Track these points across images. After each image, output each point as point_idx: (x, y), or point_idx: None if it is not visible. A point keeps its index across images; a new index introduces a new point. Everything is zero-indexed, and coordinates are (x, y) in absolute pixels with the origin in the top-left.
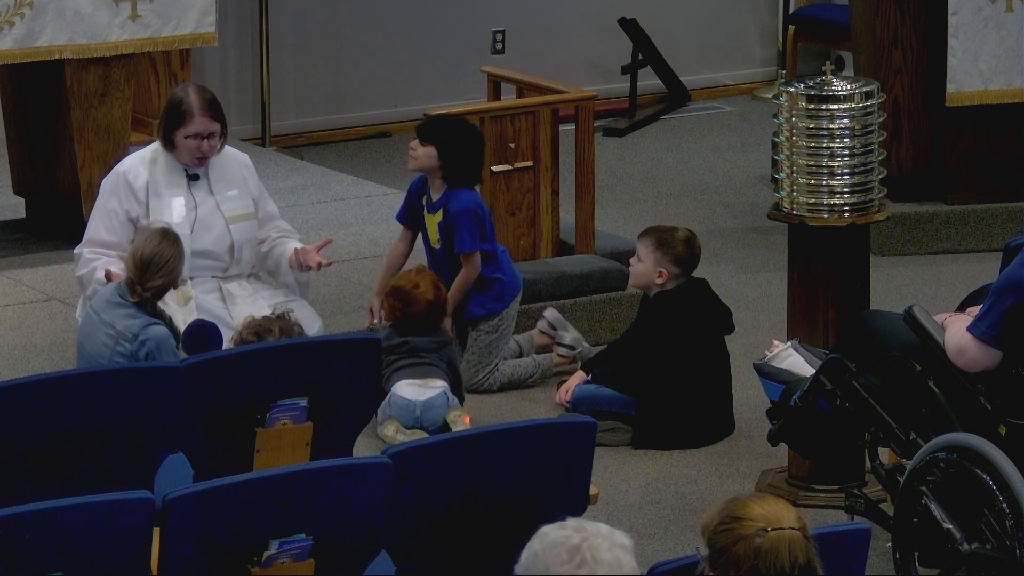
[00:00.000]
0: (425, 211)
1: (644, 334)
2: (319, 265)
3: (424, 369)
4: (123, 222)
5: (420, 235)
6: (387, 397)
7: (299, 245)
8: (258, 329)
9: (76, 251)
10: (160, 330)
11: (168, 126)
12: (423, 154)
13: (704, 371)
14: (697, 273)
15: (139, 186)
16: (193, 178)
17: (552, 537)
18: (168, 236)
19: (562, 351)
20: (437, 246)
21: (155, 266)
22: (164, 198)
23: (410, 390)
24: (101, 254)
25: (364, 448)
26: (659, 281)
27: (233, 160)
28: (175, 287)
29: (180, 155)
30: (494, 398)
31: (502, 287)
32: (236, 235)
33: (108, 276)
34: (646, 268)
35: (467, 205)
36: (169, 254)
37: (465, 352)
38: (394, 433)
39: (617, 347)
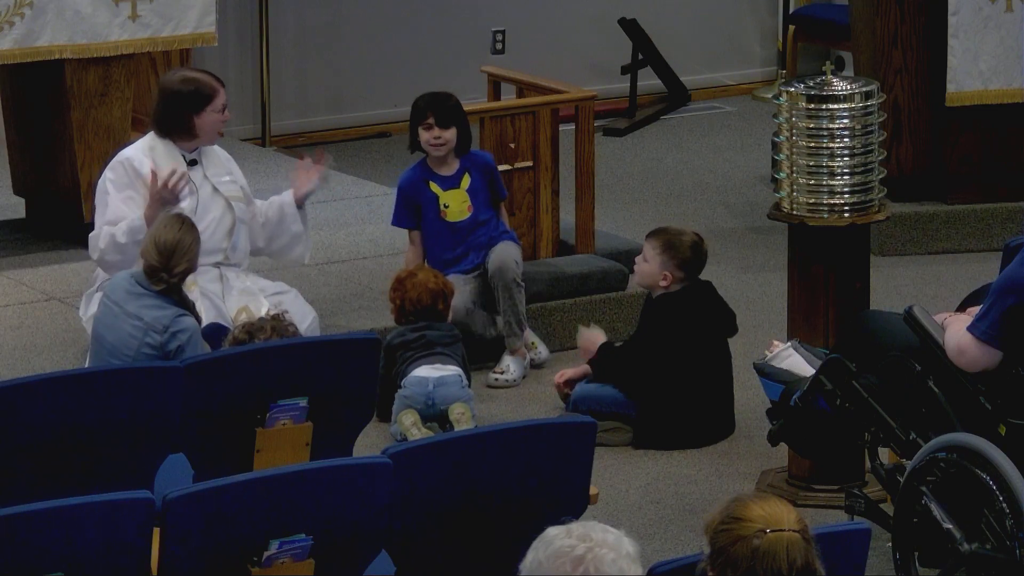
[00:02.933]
0: (441, 193)
1: (645, 335)
2: (320, 171)
3: (440, 359)
4: (140, 204)
5: (430, 227)
6: (404, 380)
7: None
8: (250, 328)
9: (92, 235)
10: (191, 321)
11: (190, 109)
12: (450, 136)
13: (705, 373)
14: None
15: (145, 172)
16: (191, 163)
17: (557, 546)
18: (185, 221)
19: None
20: (466, 216)
21: (180, 251)
22: None
23: (425, 371)
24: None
25: (364, 448)
26: (663, 284)
27: (220, 152)
28: (193, 271)
29: (203, 135)
30: (494, 397)
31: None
32: (237, 213)
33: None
34: (651, 270)
35: (489, 156)
36: (190, 239)
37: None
38: (411, 425)
39: (622, 348)
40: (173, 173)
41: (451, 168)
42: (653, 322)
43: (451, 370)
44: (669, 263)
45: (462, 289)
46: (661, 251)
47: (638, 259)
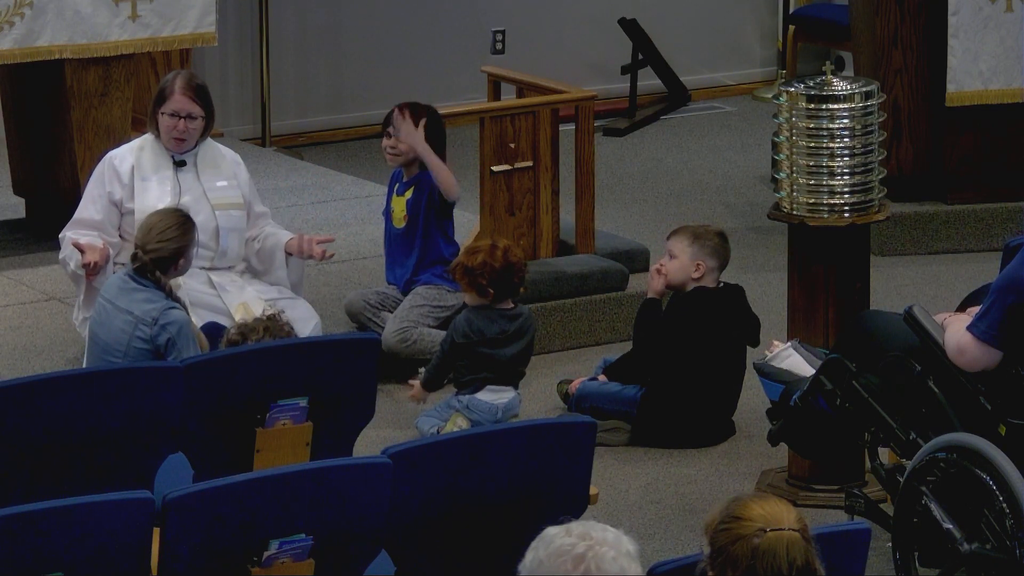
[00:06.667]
0: (394, 195)
1: (671, 321)
2: (322, 254)
3: (502, 381)
4: (106, 205)
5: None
6: (465, 400)
7: (294, 236)
8: (243, 329)
9: (60, 236)
10: (180, 314)
11: (153, 106)
12: (407, 149)
13: (718, 376)
14: None
15: (124, 170)
16: (180, 164)
17: (557, 544)
18: (181, 212)
19: None
20: (402, 225)
21: (156, 230)
22: (149, 181)
23: (490, 396)
24: (82, 234)
25: (364, 448)
26: (696, 276)
27: (225, 155)
28: (182, 258)
29: (161, 135)
30: None
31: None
32: (222, 221)
33: (78, 246)
34: (682, 263)
35: None
36: (182, 221)
37: (399, 307)
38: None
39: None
40: (96, 261)
41: (410, 174)
42: (683, 310)
43: (510, 394)
44: (700, 252)
45: (368, 291)
46: (690, 242)
47: (663, 261)
